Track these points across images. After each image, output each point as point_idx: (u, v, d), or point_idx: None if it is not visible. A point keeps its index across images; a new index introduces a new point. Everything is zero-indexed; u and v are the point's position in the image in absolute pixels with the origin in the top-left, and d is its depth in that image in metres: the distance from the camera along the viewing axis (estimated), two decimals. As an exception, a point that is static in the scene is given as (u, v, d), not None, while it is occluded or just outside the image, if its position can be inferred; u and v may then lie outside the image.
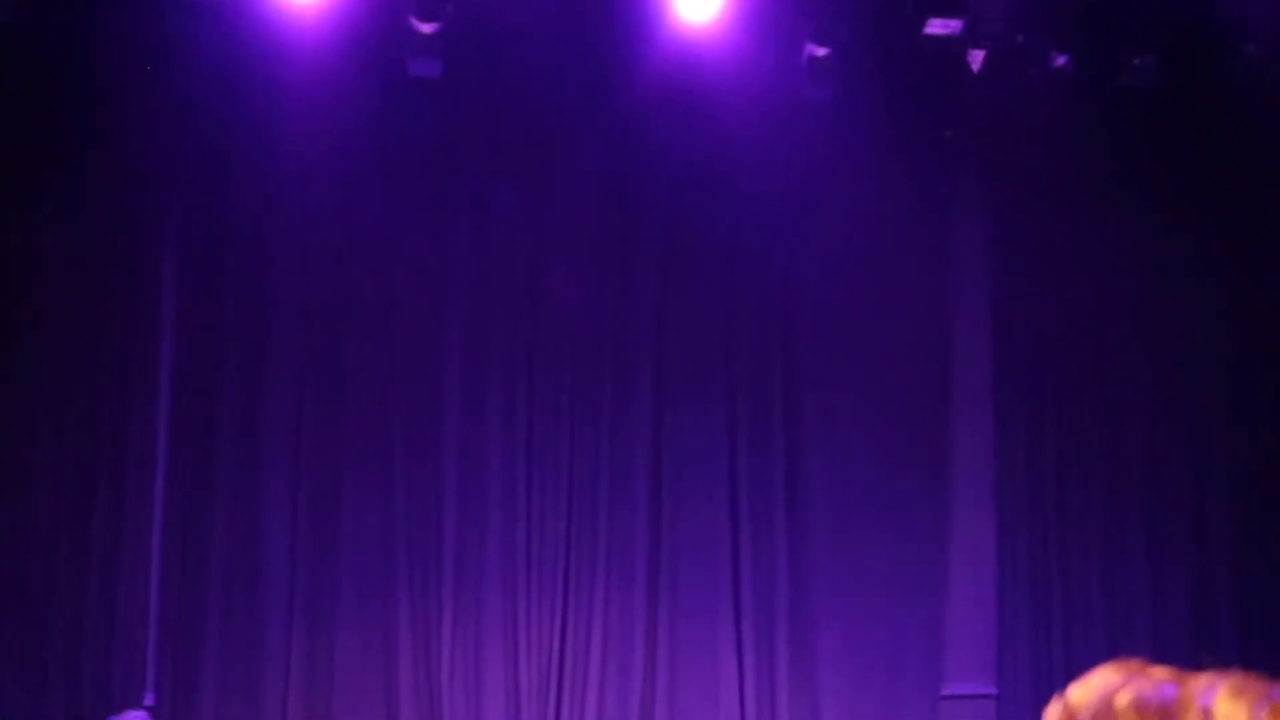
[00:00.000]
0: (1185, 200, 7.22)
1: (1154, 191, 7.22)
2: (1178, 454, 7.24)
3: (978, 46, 7.02)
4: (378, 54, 6.97)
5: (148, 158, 6.96)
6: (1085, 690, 1.51)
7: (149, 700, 6.70)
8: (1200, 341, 7.26)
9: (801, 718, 7.02)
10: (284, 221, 7.08)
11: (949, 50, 7.04)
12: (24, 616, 6.81)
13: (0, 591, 6.81)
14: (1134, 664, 1.52)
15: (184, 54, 6.88)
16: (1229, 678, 1.48)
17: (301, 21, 6.86)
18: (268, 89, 6.94)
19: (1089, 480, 7.23)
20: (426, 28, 6.88)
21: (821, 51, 6.97)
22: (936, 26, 7.01)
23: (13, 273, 6.92)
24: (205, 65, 6.91)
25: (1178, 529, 7.21)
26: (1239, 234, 7.22)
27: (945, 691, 7.04)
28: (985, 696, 6.99)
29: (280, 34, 6.88)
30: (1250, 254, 7.23)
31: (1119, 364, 7.27)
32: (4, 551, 6.83)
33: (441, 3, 6.88)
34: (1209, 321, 7.25)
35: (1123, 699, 1.46)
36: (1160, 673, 1.52)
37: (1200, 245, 7.25)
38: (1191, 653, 6.73)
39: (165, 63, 6.90)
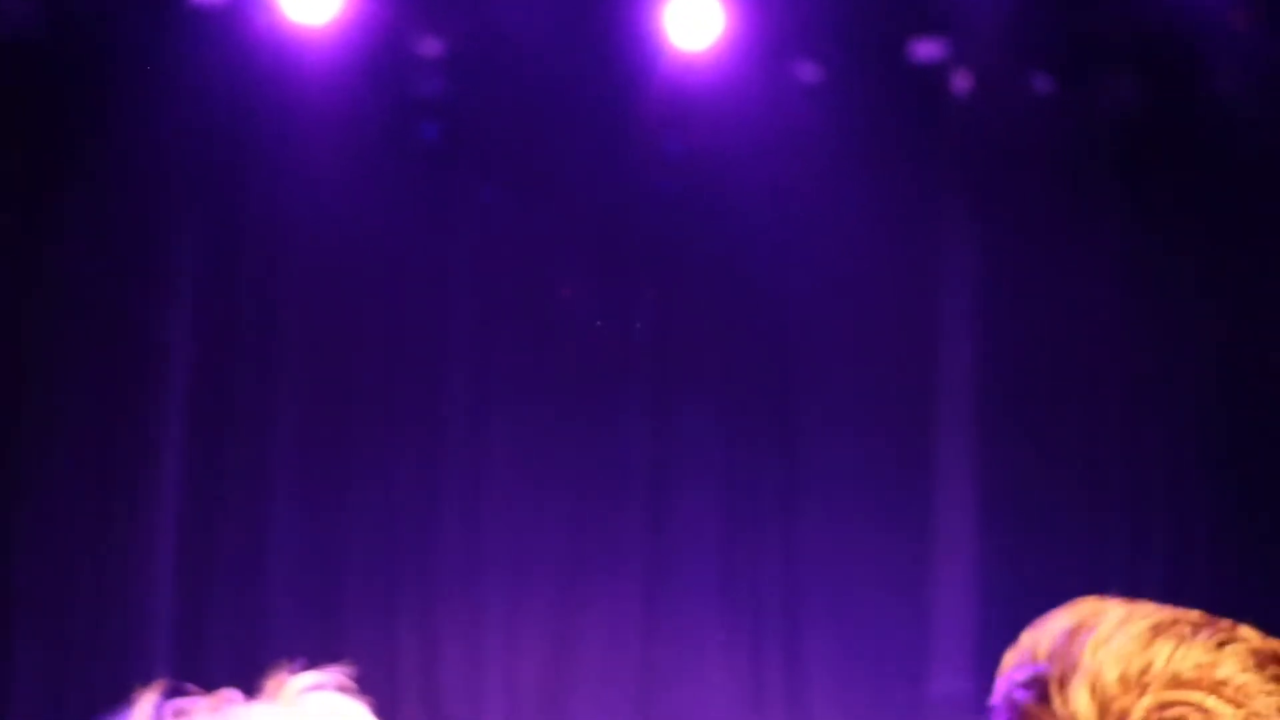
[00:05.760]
0: (1171, 220, 7.41)
1: (1140, 211, 7.41)
2: (1157, 462, 7.46)
3: (964, 70, 7.27)
4: (385, 75, 7.22)
5: (164, 173, 7.20)
6: (1039, 633, 1.66)
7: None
8: (1182, 357, 7.46)
9: (795, 713, 7.23)
10: (293, 233, 7.30)
11: (935, 73, 7.29)
12: (37, 614, 7.02)
13: (12, 591, 7.03)
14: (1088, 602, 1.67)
15: (198, 73, 7.11)
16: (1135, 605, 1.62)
17: (312, 43, 7.11)
18: (279, 107, 7.17)
19: (1070, 486, 7.45)
20: (432, 50, 7.18)
21: (812, 77, 7.24)
22: (923, 50, 7.26)
23: (30, 279, 7.14)
24: (219, 84, 7.13)
25: (1157, 531, 7.42)
26: (1225, 252, 7.41)
27: (930, 687, 7.25)
28: (969, 692, 7.19)
29: (292, 54, 7.13)
30: (1237, 272, 7.42)
31: (1101, 376, 7.49)
32: (15, 552, 7.04)
33: (447, 27, 7.17)
34: (1192, 337, 7.45)
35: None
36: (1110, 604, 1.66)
37: (1185, 263, 7.44)
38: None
39: (180, 82, 7.12)
